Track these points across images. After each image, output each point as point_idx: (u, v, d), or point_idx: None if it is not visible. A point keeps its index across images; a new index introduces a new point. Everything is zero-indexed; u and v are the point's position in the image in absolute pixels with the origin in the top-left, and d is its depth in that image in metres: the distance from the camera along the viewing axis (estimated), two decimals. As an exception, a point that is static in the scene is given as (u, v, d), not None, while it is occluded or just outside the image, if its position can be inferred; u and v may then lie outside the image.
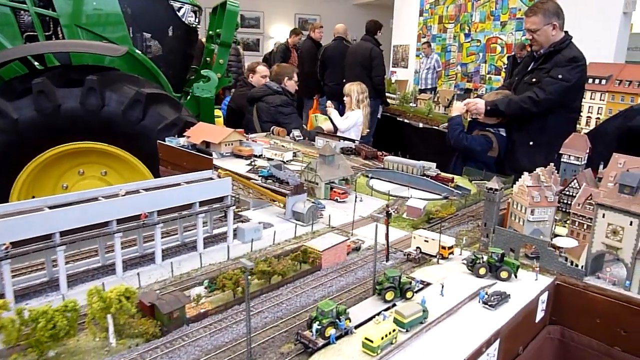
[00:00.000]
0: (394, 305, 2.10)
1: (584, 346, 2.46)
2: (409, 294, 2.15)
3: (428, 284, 2.32)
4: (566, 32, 5.12)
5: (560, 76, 4.93)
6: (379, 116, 9.48)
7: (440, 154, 6.83)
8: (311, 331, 1.82)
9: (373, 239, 2.24)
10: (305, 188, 3.20)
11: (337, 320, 1.85)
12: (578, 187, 3.05)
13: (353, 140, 5.13)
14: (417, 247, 2.70)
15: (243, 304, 2.17)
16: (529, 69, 5.44)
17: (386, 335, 1.78)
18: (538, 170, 2.88)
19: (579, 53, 5.06)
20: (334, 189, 3.53)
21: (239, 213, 3.19)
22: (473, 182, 4.06)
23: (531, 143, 5.18)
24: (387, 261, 2.60)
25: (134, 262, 2.49)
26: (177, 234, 2.77)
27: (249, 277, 2.35)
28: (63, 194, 2.28)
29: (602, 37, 9.62)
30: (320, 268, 2.50)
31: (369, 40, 9.71)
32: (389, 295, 2.11)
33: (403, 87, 12.12)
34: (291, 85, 7.08)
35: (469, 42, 13.52)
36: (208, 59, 7.80)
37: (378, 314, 2.00)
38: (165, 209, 2.48)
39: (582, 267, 2.46)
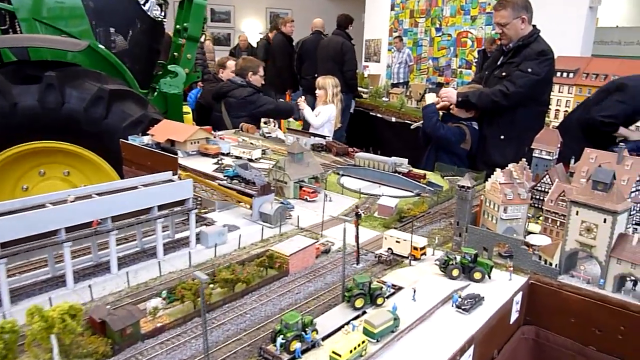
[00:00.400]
0: (364, 312, 1.98)
1: (558, 346, 2.39)
2: (379, 301, 2.03)
3: (400, 288, 2.21)
4: (534, 26, 5.09)
5: (529, 70, 4.90)
6: (351, 111, 9.37)
7: (414, 148, 6.76)
8: (275, 345, 1.69)
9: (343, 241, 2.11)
10: (273, 188, 3.05)
11: (303, 332, 1.72)
12: (550, 183, 2.99)
13: (324, 137, 5.00)
14: (389, 248, 2.59)
15: (204, 316, 2.02)
16: (499, 63, 5.39)
17: (355, 348, 1.66)
18: (510, 166, 2.80)
19: (547, 46, 5.04)
20: (303, 188, 3.40)
21: (204, 215, 3.03)
22: (445, 177, 3.98)
23: (502, 137, 5.15)
24: (357, 264, 2.48)
25: (87, 272, 2.31)
26: (135, 239, 2.60)
27: (211, 286, 2.20)
28: (6, 201, 2.08)
29: (569, 31, 9.70)
30: (288, 273, 2.36)
31: (340, 35, 9.58)
32: (359, 303, 1.99)
33: (375, 81, 12.03)
34: (256, 79, 6.88)
35: (440, 36, 13.51)
36: (176, 53, 7.54)
37: (347, 323, 1.88)
38: (120, 214, 2.30)
39: (556, 265, 2.39)
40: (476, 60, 11.88)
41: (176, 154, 4.28)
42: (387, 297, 2.11)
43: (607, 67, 7.34)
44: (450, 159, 4.92)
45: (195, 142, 4.33)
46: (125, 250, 2.55)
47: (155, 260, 2.48)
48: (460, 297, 2.14)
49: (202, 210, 3.16)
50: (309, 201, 3.36)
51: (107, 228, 2.26)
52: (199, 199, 2.69)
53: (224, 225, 2.75)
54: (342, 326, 1.86)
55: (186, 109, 7.83)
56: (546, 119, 6.46)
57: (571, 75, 7.85)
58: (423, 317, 2.00)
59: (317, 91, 7.41)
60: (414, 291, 2.11)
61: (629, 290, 2.25)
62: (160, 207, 2.47)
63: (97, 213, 2.18)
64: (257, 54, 11.61)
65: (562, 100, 7.86)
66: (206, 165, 4.09)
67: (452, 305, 2.12)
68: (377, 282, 2.21)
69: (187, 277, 2.31)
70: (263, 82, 7.16)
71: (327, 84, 7.35)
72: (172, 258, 2.51)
